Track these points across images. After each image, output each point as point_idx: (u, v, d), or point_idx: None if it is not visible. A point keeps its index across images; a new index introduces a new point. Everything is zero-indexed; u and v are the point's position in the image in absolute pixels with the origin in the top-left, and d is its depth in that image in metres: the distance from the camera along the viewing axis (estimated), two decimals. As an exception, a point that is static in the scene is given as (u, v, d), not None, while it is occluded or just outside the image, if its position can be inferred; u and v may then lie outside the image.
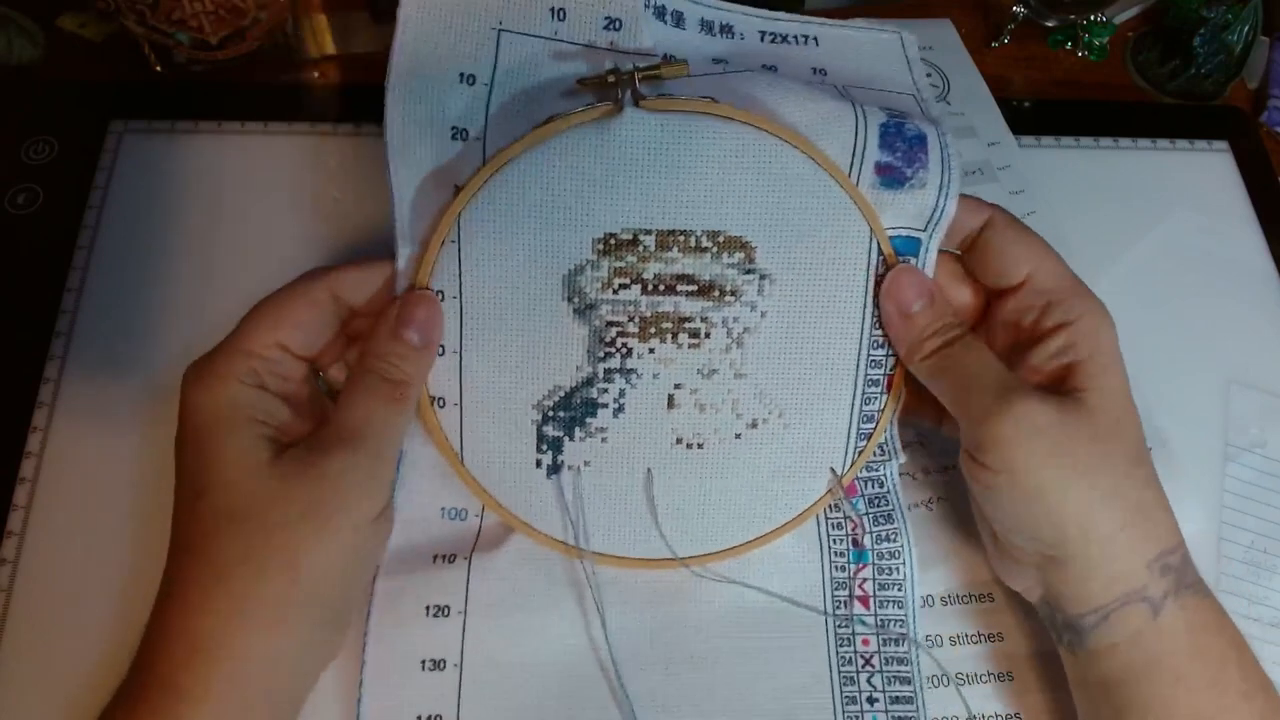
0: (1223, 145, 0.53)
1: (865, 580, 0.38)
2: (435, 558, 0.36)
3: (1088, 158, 0.52)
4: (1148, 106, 0.56)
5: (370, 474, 0.31)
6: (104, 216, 0.44)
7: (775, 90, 0.34)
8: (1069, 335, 0.34)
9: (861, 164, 0.34)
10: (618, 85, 0.33)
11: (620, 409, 0.35)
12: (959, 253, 0.37)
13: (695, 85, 0.34)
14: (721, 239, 0.34)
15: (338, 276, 0.33)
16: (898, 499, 0.38)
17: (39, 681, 0.35)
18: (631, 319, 0.34)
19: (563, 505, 0.36)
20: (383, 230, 0.34)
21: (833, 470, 0.37)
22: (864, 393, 0.37)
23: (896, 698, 0.36)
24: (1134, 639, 0.32)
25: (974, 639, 0.38)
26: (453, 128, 0.34)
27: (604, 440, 0.35)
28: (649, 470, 0.36)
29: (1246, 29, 0.55)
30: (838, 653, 0.37)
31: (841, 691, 0.36)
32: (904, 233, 0.35)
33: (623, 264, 0.34)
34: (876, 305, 0.35)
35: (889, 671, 0.37)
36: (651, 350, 0.35)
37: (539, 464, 0.35)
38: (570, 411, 0.35)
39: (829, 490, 0.37)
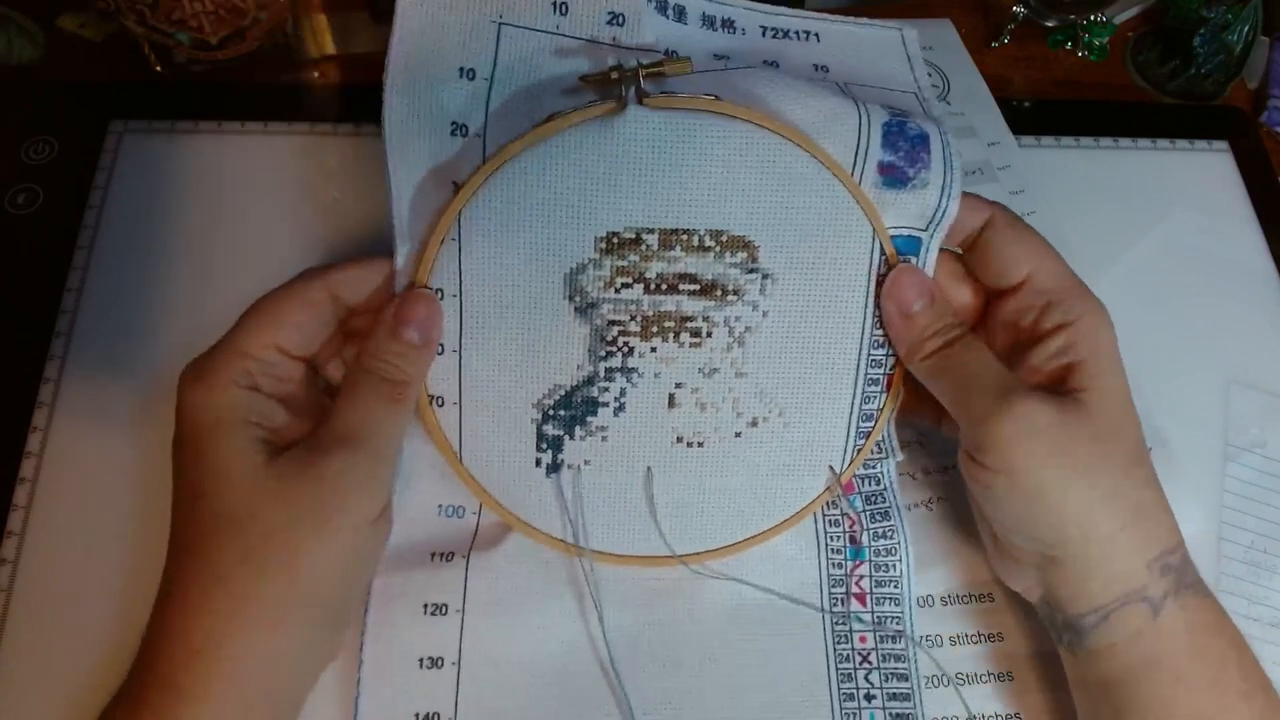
0: (1223, 145, 0.53)
1: (862, 577, 0.38)
2: (433, 556, 0.36)
3: (1088, 158, 0.52)
4: (1148, 106, 0.56)
5: (369, 474, 0.31)
6: (104, 216, 0.44)
7: (778, 87, 0.34)
8: (1068, 336, 0.34)
9: (864, 163, 0.34)
10: (621, 82, 0.33)
11: (621, 408, 0.35)
12: (959, 251, 0.37)
13: (697, 81, 0.34)
14: (724, 238, 0.34)
15: (335, 276, 0.33)
16: (894, 496, 0.39)
17: (39, 681, 0.35)
18: (633, 318, 0.34)
19: (562, 504, 0.36)
20: (383, 230, 0.34)
21: (831, 468, 0.37)
22: (864, 391, 0.37)
23: (894, 694, 0.36)
24: (1133, 639, 0.32)
25: (974, 639, 0.38)
26: (452, 123, 0.34)
27: (604, 439, 0.35)
28: (649, 469, 0.36)
29: (1246, 29, 0.55)
30: (835, 650, 0.37)
31: (839, 689, 0.36)
32: (905, 232, 0.35)
33: (625, 263, 0.34)
34: (878, 305, 0.35)
35: (886, 669, 0.37)
36: (653, 349, 0.35)
37: (539, 463, 0.35)
38: (571, 410, 0.35)
39: (827, 488, 0.38)
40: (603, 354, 0.34)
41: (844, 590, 0.38)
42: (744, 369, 0.35)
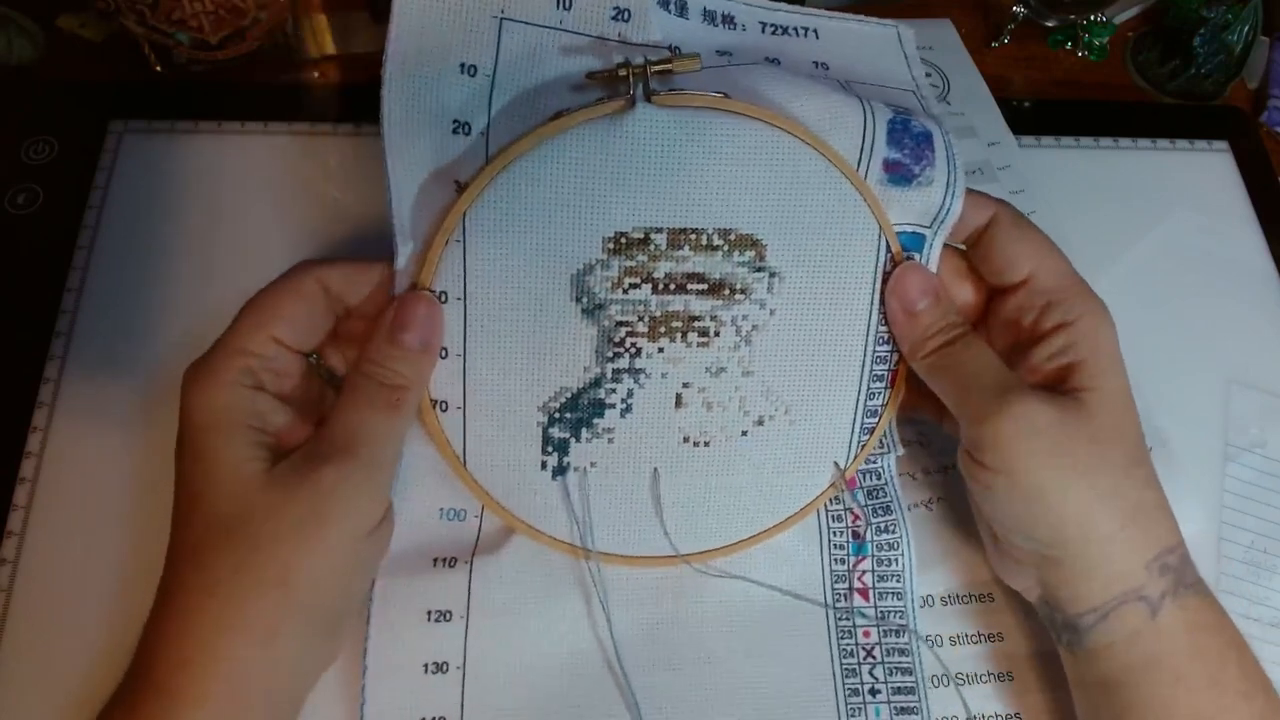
0: (1223, 145, 0.53)
1: (865, 573, 0.38)
2: (435, 561, 0.36)
3: (1088, 158, 0.52)
4: (1148, 106, 0.56)
5: (366, 484, 0.31)
6: (104, 216, 0.44)
7: (783, 84, 0.34)
8: (1069, 335, 0.34)
9: (870, 160, 0.34)
10: (629, 79, 0.32)
11: (628, 409, 0.35)
12: (964, 248, 0.37)
13: (703, 78, 0.33)
14: (733, 237, 0.34)
15: (327, 269, 0.33)
16: (895, 491, 0.39)
17: (39, 681, 0.35)
18: (641, 318, 0.34)
19: (568, 506, 0.36)
20: (384, 230, 0.33)
21: (836, 464, 0.37)
22: (869, 388, 0.37)
23: (898, 688, 0.37)
24: (1132, 638, 0.32)
25: (974, 639, 0.38)
26: (454, 121, 0.33)
27: (610, 441, 0.35)
28: (655, 469, 0.36)
29: (1246, 29, 0.55)
30: (839, 645, 0.37)
31: (844, 684, 0.37)
32: (910, 229, 0.36)
33: (633, 263, 0.33)
34: (883, 301, 0.35)
35: (890, 663, 0.37)
36: (661, 350, 0.34)
37: (544, 465, 0.35)
38: (577, 413, 0.35)
39: (832, 484, 0.38)
40: (610, 355, 0.34)
41: (847, 586, 0.38)
42: (751, 368, 0.35)
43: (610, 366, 0.34)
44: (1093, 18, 0.55)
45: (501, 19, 0.33)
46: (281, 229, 0.44)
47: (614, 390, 0.35)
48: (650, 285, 0.34)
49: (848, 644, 0.37)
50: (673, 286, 0.34)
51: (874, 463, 0.39)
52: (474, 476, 0.35)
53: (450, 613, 0.35)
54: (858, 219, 0.34)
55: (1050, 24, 0.56)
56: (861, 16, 0.40)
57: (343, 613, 0.32)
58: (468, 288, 0.33)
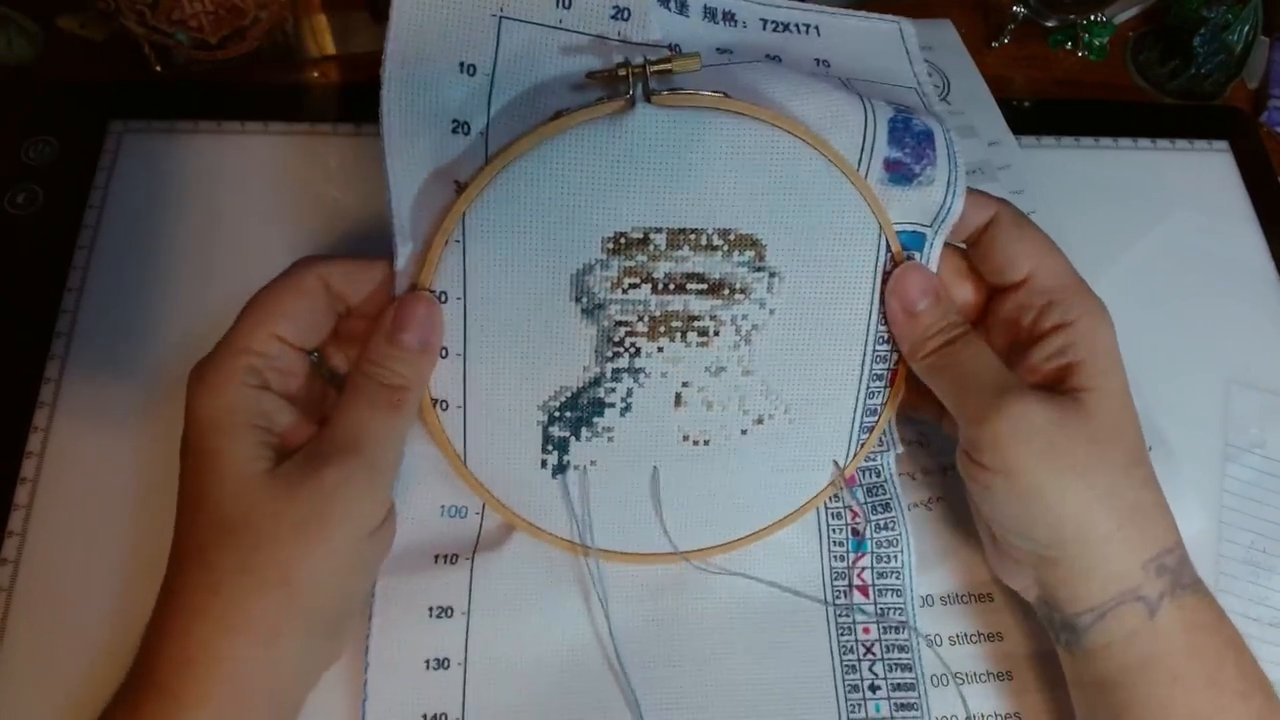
0: (1223, 145, 0.53)
1: (864, 569, 0.38)
2: (437, 558, 0.36)
3: (1088, 158, 0.52)
4: (1148, 106, 0.56)
5: (368, 485, 0.31)
6: (104, 216, 0.44)
7: (784, 83, 0.34)
8: (1067, 336, 0.34)
9: (871, 159, 0.34)
10: (629, 79, 0.32)
11: (628, 408, 0.35)
12: (964, 246, 0.37)
13: (701, 77, 0.33)
14: (732, 237, 0.34)
15: (327, 267, 0.33)
16: (895, 488, 0.39)
17: (39, 681, 0.35)
18: (641, 318, 0.34)
19: (568, 504, 0.36)
20: (384, 230, 0.33)
21: (835, 463, 0.37)
22: (868, 387, 0.37)
23: (898, 685, 0.37)
24: (1130, 639, 0.32)
25: (974, 639, 0.38)
26: (453, 120, 0.33)
27: (610, 440, 0.35)
28: (655, 468, 0.36)
29: (1246, 29, 0.55)
30: (839, 642, 0.37)
31: (844, 680, 0.37)
32: (910, 228, 0.36)
33: (633, 263, 0.33)
34: (883, 301, 0.35)
35: (890, 659, 0.37)
36: (660, 349, 0.34)
37: (544, 464, 0.35)
38: (577, 412, 0.35)
39: (831, 482, 0.38)
40: (609, 355, 0.34)
41: (846, 582, 0.38)
42: (751, 367, 0.35)
43: (610, 366, 0.34)
44: (1093, 18, 0.55)
45: (501, 17, 0.33)
46: (281, 229, 0.44)
47: (613, 389, 0.35)
48: (650, 285, 0.34)
49: (848, 640, 0.37)
50: (672, 286, 0.34)
51: (874, 460, 0.39)
52: (474, 474, 0.35)
53: (451, 609, 0.35)
54: (858, 219, 0.34)
55: (1050, 24, 0.56)
56: (863, 13, 0.40)
57: (344, 613, 0.32)
58: (467, 287, 0.33)
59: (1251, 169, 0.53)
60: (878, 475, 0.39)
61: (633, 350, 0.34)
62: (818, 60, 0.38)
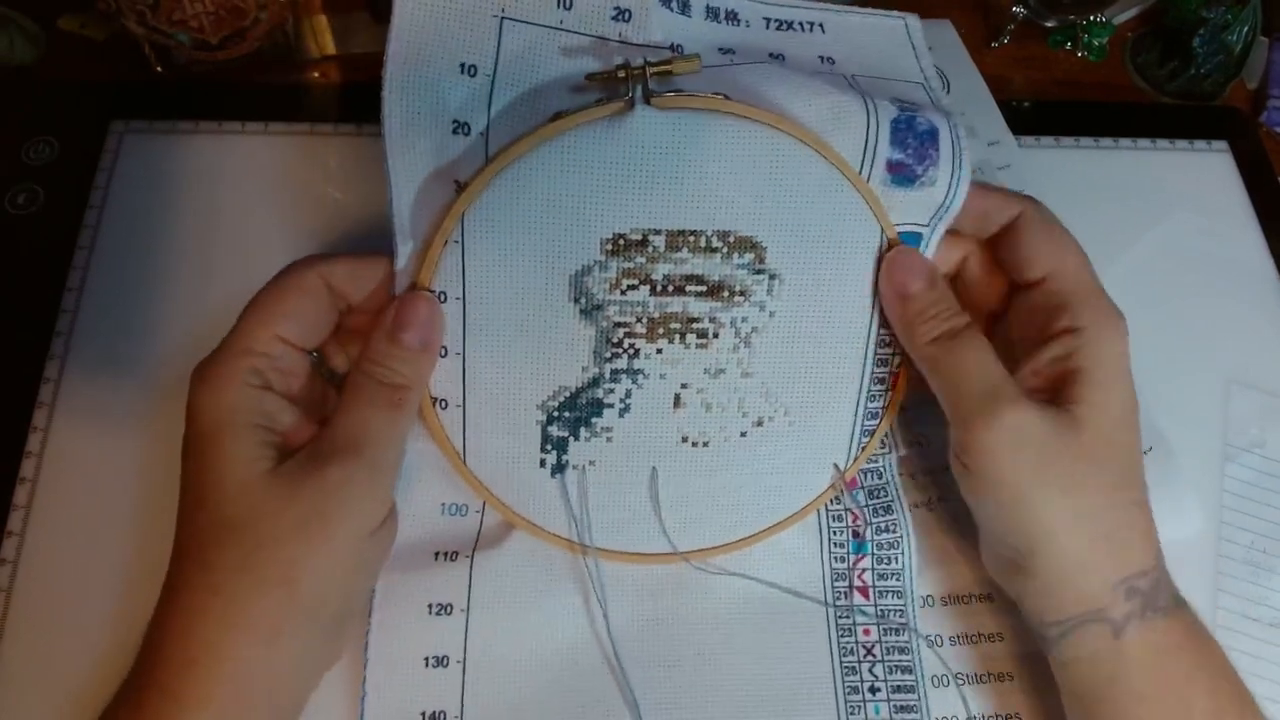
0: (1222, 145, 0.53)
1: (865, 571, 0.38)
2: (437, 555, 0.36)
3: (1088, 158, 0.52)
4: (1147, 107, 0.56)
5: (369, 484, 0.31)
6: (104, 216, 0.44)
7: (786, 84, 0.34)
8: (1071, 342, 0.33)
9: (873, 161, 0.34)
10: (628, 81, 0.32)
11: (626, 409, 0.35)
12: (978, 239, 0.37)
13: (702, 79, 0.33)
14: (732, 239, 0.34)
15: (329, 265, 0.33)
16: (897, 490, 0.39)
17: (39, 681, 0.35)
18: (639, 320, 0.34)
19: (567, 504, 0.36)
20: (384, 230, 0.33)
21: (836, 466, 0.37)
22: (869, 390, 0.37)
23: (898, 687, 0.37)
24: (1094, 657, 0.32)
25: (974, 639, 0.38)
26: (454, 121, 0.33)
27: (609, 440, 0.35)
28: (654, 469, 0.36)
29: (1246, 29, 0.55)
30: (839, 643, 0.37)
31: (843, 682, 0.37)
32: (909, 228, 0.36)
33: (631, 265, 0.33)
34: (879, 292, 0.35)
35: (890, 661, 0.37)
36: (659, 351, 0.34)
37: (543, 463, 0.35)
38: (576, 412, 0.35)
39: (832, 485, 0.38)
40: (608, 355, 0.34)
41: (847, 584, 0.38)
42: (750, 369, 0.35)
43: (608, 367, 0.34)
44: (1092, 18, 0.55)
45: (502, 18, 0.33)
46: (281, 229, 0.44)
47: (612, 390, 0.35)
48: (648, 287, 0.34)
49: (848, 642, 0.37)
50: (671, 288, 0.34)
51: (875, 462, 0.39)
52: (474, 473, 0.35)
53: (451, 606, 0.35)
54: (859, 222, 0.34)
55: (1050, 24, 0.56)
56: (868, 10, 0.40)
57: (345, 613, 0.32)
58: (467, 287, 0.33)
59: (1251, 169, 0.53)
60: (879, 477, 0.39)
61: (631, 351, 0.34)
62: (822, 58, 0.38)
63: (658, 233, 0.33)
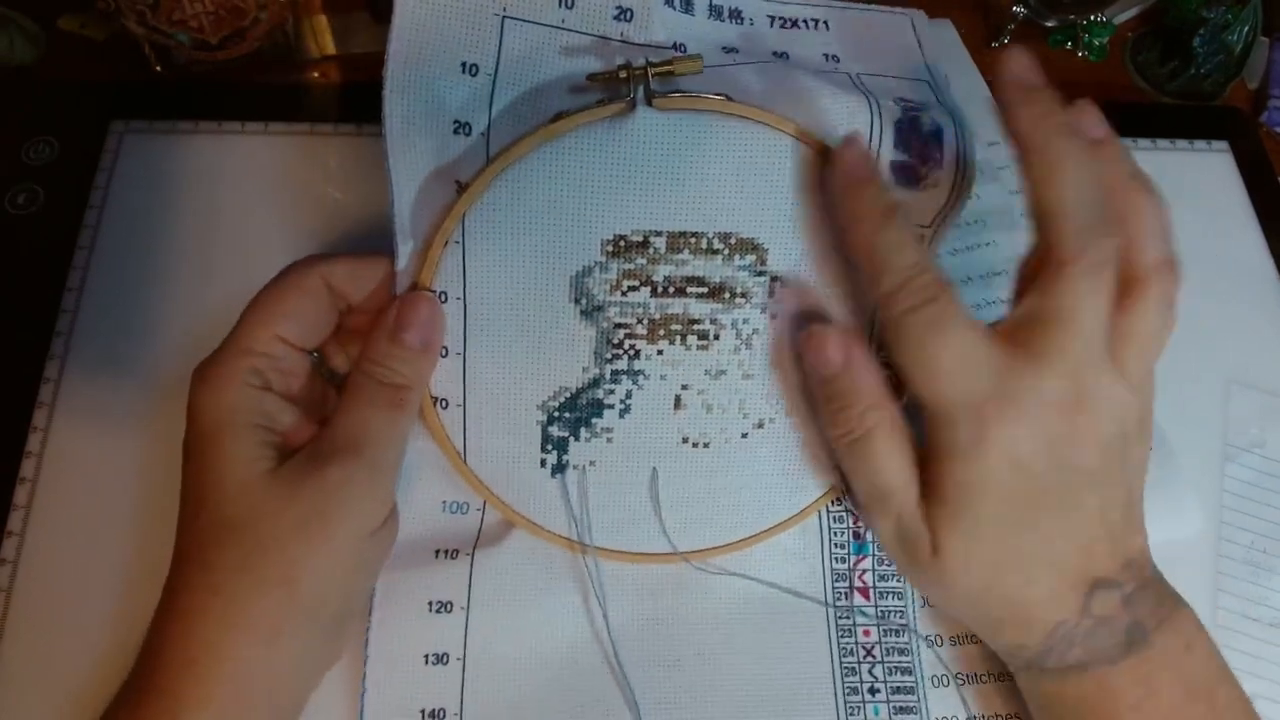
0: (1223, 145, 0.53)
1: (865, 571, 0.38)
2: (437, 553, 0.36)
3: (1087, 158, 0.52)
4: (1147, 106, 0.56)
5: (370, 484, 0.31)
6: (104, 216, 0.44)
7: (788, 84, 0.34)
8: (1032, 303, 0.30)
9: (876, 163, 0.34)
10: (629, 81, 0.32)
11: (627, 410, 0.35)
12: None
13: (706, 78, 0.33)
14: (733, 241, 0.34)
15: (329, 265, 0.33)
16: None
17: (39, 681, 0.35)
18: (640, 321, 0.34)
19: (567, 503, 0.36)
20: (384, 231, 0.33)
21: (838, 468, 0.37)
22: None
23: (898, 688, 0.37)
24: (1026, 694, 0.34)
25: (974, 639, 0.38)
26: (455, 121, 0.33)
27: (609, 440, 0.35)
28: (654, 469, 0.36)
29: (1246, 29, 0.55)
30: (839, 644, 0.37)
31: (843, 682, 0.37)
32: None
33: (632, 266, 0.33)
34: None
35: (890, 662, 0.37)
36: (660, 352, 0.34)
37: (544, 464, 0.35)
38: (576, 412, 0.35)
39: (832, 487, 0.38)
40: (608, 356, 0.34)
41: (847, 584, 0.38)
42: (751, 371, 0.35)
43: (609, 367, 0.34)
44: (1093, 18, 0.55)
45: (504, 17, 0.33)
46: (281, 229, 0.44)
47: (612, 391, 0.35)
48: (649, 288, 0.34)
49: (847, 643, 0.37)
50: (672, 290, 0.34)
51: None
52: (474, 472, 0.35)
53: (451, 604, 0.35)
54: None
55: (1050, 24, 0.56)
56: (872, 6, 0.40)
57: (346, 613, 0.32)
58: (467, 287, 0.33)
59: (1251, 169, 0.52)
60: None
61: (632, 352, 0.34)
62: (826, 55, 0.38)
63: (659, 234, 0.33)
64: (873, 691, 0.37)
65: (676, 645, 0.37)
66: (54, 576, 0.37)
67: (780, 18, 0.38)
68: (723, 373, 0.35)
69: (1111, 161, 0.30)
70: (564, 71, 0.34)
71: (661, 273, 0.33)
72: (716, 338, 0.35)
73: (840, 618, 0.38)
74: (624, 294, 0.34)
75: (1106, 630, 0.31)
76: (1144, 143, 0.53)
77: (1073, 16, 0.55)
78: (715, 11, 0.37)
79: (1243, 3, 0.54)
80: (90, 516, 0.38)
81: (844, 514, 0.39)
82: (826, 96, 0.34)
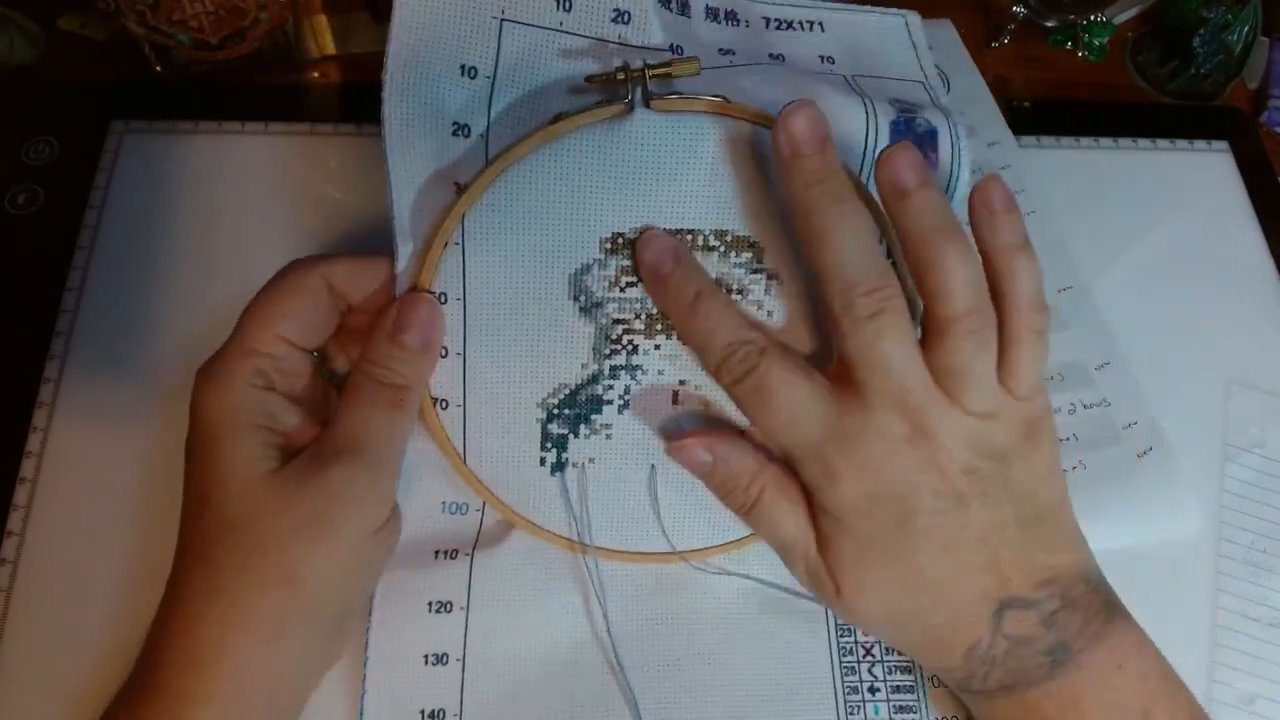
0: (1223, 145, 0.53)
1: None
2: (437, 553, 0.36)
3: (1088, 158, 0.52)
4: (1148, 107, 0.56)
5: (371, 484, 0.31)
6: (104, 216, 0.44)
7: (784, 86, 0.34)
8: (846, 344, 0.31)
9: (871, 165, 0.34)
10: (627, 83, 0.32)
11: (625, 405, 0.35)
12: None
13: (703, 80, 0.34)
14: (729, 238, 0.34)
15: (329, 265, 0.33)
16: None
17: (39, 681, 0.35)
18: (638, 316, 0.34)
19: (567, 502, 0.36)
20: (384, 231, 0.33)
21: None
22: None
23: (897, 687, 0.37)
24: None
25: (973, 639, 0.38)
26: (454, 123, 0.33)
27: (609, 437, 0.35)
28: (653, 466, 0.36)
29: (1246, 29, 0.55)
30: (838, 643, 0.37)
31: (843, 681, 0.37)
32: None
33: (630, 262, 0.33)
34: None
35: (890, 661, 0.37)
36: (657, 346, 0.34)
37: (543, 462, 0.35)
38: (576, 409, 0.35)
39: None
40: (607, 352, 0.34)
41: None
42: None
43: (608, 363, 0.34)
44: (1093, 18, 0.55)
45: (502, 20, 0.33)
46: (281, 229, 0.44)
47: (611, 386, 0.35)
48: None
49: (847, 642, 0.37)
50: None
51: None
52: (474, 472, 0.35)
53: (451, 604, 0.35)
54: None
55: (1050, 24, 0.56)
56: (868, 8, 0.40)
57: (347, 613, 0.32)
58: (467, 288, 0.33)
59: (1251, 169, 0.53)
60: None
61: (630, 347, 0.34)
62: (822, 57, 0.38)
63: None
64: (872, 690, 0.37)
65: (676, 645, 0.37)
66: (54, 576, 0.37)
67: (776, 20, 0.38)
68: None
69: (917, 215, 0.30)
70: (562, 73, 0.34)
71: None
72: None
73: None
74: (622, 290, 0.34)
75: (1027, 651, 0.31)
76: (1144, 143, 0.53)
77: (1073, 16, 0.55)
78: (711, 14, 0.37)
79: (1243, 3, 0.54)
80: (90, 516, 0.38)
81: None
82: (822, 98, 0.34)
